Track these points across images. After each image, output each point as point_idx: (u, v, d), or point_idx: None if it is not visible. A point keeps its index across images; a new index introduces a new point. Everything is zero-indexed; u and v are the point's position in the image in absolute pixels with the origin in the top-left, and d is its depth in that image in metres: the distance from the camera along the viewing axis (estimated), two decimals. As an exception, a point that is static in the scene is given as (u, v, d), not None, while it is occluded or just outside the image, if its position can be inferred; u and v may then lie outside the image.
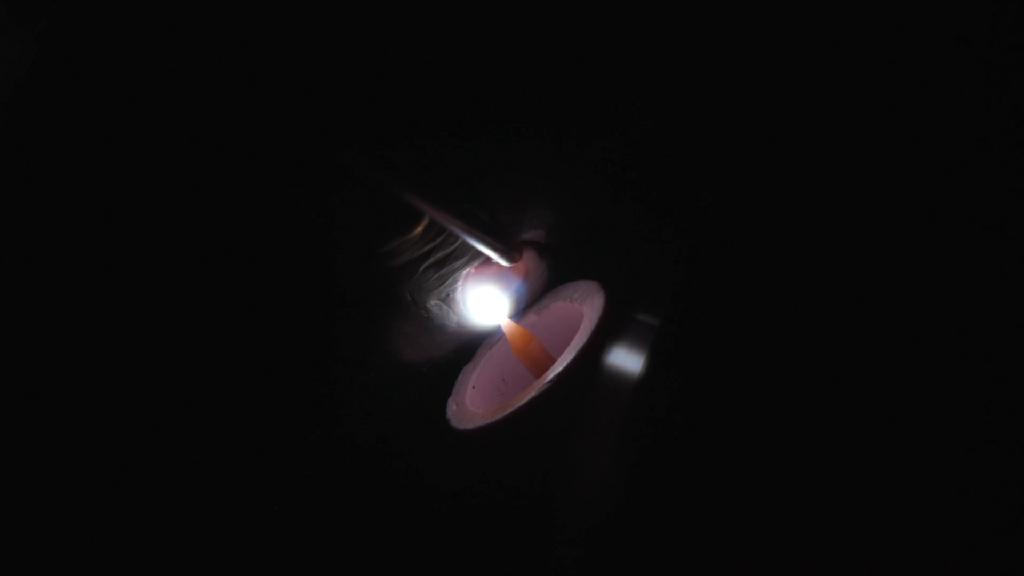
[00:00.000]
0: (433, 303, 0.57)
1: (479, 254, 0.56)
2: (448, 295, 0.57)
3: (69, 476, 0.45)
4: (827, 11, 0.47)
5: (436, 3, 0.50)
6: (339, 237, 0.53)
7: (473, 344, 0.58)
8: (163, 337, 0.48)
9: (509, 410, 0.45)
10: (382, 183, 0.49)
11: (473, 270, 0.57)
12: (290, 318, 0.52)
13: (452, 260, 0.57)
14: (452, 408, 0.51)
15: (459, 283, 0.57)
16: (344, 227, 0.53)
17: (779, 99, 0.50)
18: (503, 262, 0.56)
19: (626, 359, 0.49)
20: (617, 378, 0.48)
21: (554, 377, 0.45)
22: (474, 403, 0.51)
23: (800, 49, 0.48)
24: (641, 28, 0.51)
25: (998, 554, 0.40)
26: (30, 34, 0.43)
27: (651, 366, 0.48)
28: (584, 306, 0.52)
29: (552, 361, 0.51)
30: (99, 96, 0.45)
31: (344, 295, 0.54)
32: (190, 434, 0.48)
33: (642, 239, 0.56)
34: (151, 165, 0.47)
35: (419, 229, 0.54)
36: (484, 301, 0.55)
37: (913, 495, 0.42)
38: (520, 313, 0.58)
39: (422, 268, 0.56)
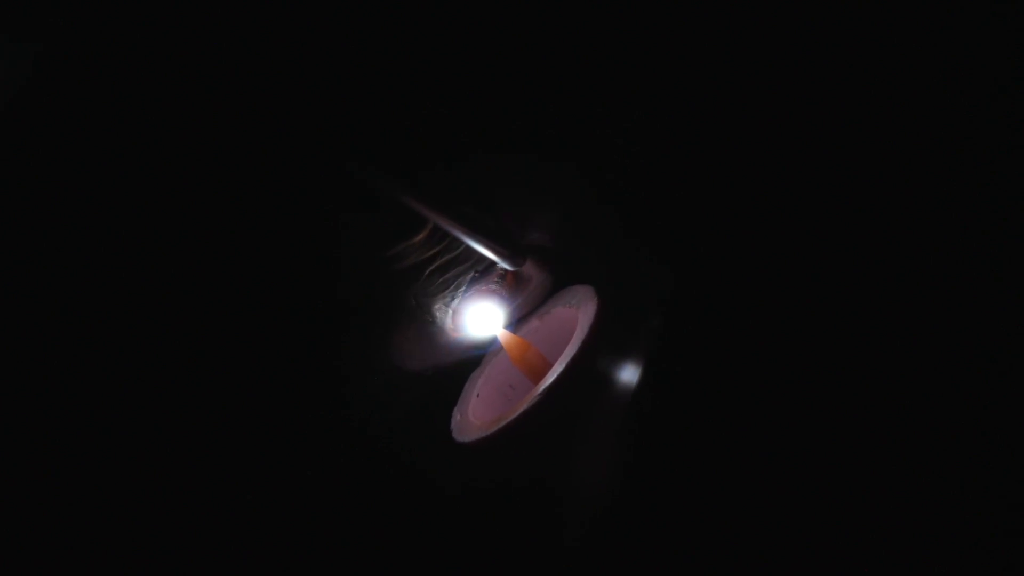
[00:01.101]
0: (437, 307, 0.59)
1: (483, 258, 0.57)
2: (452, 299, 0.59)
3: (72, 474, 0.47)
4: (827, 11, 0.45)
5: (440, 12, 0.50)
6: (344, 242, 0.55)
7: (477, 347, 0.60)
8: (172, 340, 0.51)
9: (503, 423, 0.47)
10: (386, 188, 0.51)
11: (477, 282, 0.58)
12: (296, 322, 0.54)
13: (457, 264, 0.58)
14: (456, 419, 0.53)
15: (463, 288, 0.59)
16: (349, 232, 0.55)
17: (778, 101, 0.49)
18: (507, 266, 0.57)
19: (620, 364, 0.50)
20: (611, 383, 0.49)
21: (544, 390, 0.46)
22: (477, 413, 0.53)
23: (799, 50, 0.47)
24: (641, 33, 0.50)
25: (998, 554, 0.40)
26: (34, 42, 0.45)
27: (645, 371, 0.48)
28: (580, 312, 0.53)
29: (549, 368, 0.52)
30: (108, 104, 0.47)
31: (349, 299, 0.56)
32: (194, 435, 0.50)
33: (644, 242, 0.56)
34: (162, 174, 0.49)
35: (423, 234, 0.55)
36: (480, 313, 0.56)
37: (913, 495, 0.42)
38: (523, 319, 0.59)
39: (427, 272, 0.57)
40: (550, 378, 0.47)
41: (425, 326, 0.58)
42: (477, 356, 0.60)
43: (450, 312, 0.59)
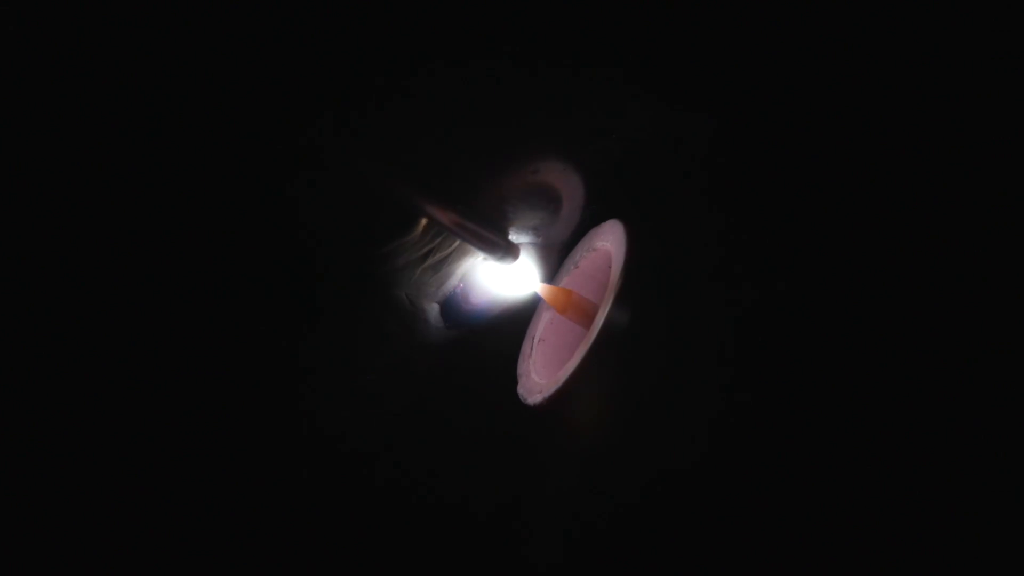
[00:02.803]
0: (431, 305, 0.57)
1: (477, 255, 0.57)
2: (447, 297, 0.58)
3: (55, 479, 0.44)
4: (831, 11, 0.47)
5: (433, 7, 0.50)
6: (336, 239, 0.54)
7: (473, 347, 0.58)
8: (161, 338, 0.48)
9: (581, 353, 0.45)
10: (378, 184, 0.50)
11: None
12: (287, 321, 0.52)
13: (450, 262, 0.58)
14: (535, 400, 0.50)
15: (458, 285, 0.58)
16: (341, 229, 0.53)
17: (780, 97, 0.49)
18: (502, 263, 0.57)
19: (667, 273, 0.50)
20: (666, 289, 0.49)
21: (613, 299, 0.46)
22: (540, 372, 0.51)
23: (798, 49, 0.48)
24: (640, 27, 0.51)
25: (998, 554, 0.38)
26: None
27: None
28: (600, 246, 0.53)
29: (597, 309, 0.52)
30: (66, 84, 0.45)
31: (341, 297, 0.55)
32: (183, 436, 0.47)
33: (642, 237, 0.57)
34: (162, 170, 0.47)
35: (418, 231, 0.54)
36: (510, 277, 0.56)
37: (912, 495, 0.40)
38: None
39: (420, 270, 0.56)
40: (610, 297, 0.47)
41: (417, 323, 0.57)
42: (468, 354, 0.58)
43: (443, 309, 0.58)
